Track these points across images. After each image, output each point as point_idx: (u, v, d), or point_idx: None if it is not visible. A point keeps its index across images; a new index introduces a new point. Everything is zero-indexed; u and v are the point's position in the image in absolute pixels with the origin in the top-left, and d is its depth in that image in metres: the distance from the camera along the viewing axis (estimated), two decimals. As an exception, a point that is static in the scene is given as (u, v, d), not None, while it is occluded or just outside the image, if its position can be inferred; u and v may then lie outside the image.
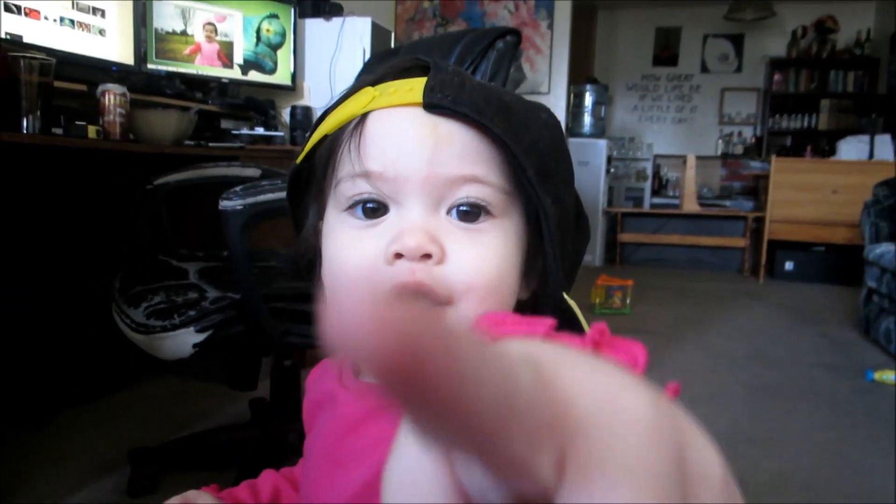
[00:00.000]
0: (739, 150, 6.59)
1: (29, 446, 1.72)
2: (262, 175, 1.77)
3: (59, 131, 1.67)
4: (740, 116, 6.70)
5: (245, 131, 2.53)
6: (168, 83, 2.30)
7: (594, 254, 5.61)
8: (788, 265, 5.11)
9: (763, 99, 6.57)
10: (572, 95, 5.37)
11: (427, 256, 0.41)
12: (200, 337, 1.18)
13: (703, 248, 5.77)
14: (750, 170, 6.10)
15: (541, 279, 0.47)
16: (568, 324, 0.50)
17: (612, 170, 5.82)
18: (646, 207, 5.94)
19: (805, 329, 3.48)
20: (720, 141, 6.67)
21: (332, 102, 0.47)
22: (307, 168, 0.49)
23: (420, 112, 0.42)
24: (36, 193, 1.87)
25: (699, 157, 5.85)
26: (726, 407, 2.29)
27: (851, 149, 4.97)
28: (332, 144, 0.45)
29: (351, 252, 0.43)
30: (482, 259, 0.42)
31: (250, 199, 1.12)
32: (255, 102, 2.65)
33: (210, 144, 2.16)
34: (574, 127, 5.50)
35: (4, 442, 1.69)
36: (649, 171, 6.12)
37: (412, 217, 0.42)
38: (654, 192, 6.12)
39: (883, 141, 4.87)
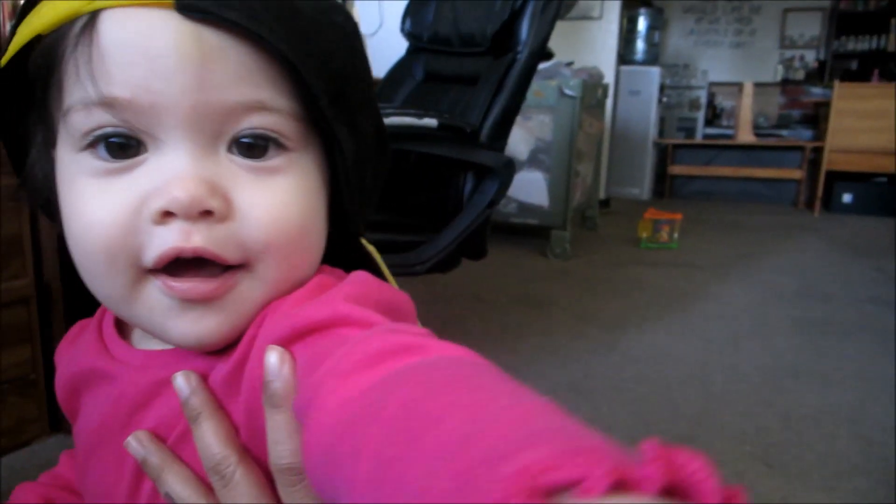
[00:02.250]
0: (801, 75, 6.26)
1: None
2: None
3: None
4: (803, 39, 6.34)
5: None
6: None
7: (642, 187, 5.49)
8: (846, 197, 4.93)
9: (829, 18, 6.19)
10: (625, 20, 5.15)
11: (207, 213, 0.31)
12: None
13: (757, 181, 5.59)
14: (811, 97, 5.81)
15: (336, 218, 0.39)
16: (367, 267, 0.41)
17: (665, 99, 5.62)
18: (698, 138, 5.75)
19: (860, 263, 3.39)
20: (780, 66, 6.34)
21: None
22: (15, 73, 0.34)
23: (175, 16, 0.30)
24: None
25: (757, 84, 5.59)
26: (772, 341, 2.27)
27: (923, 73, 4.67)
28: (51, 51, 0.32)
29: (97, 209, 0.32)
30: (281, 207, 0.33)
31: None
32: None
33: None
34: (626, 54, 5.29)
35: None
36: (703, 100, 5.90)
37: (180, 160, 0.31)
38: (708, 122, 5.91)
39: (958, 65, 4.57)
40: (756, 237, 4.07)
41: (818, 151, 5.01)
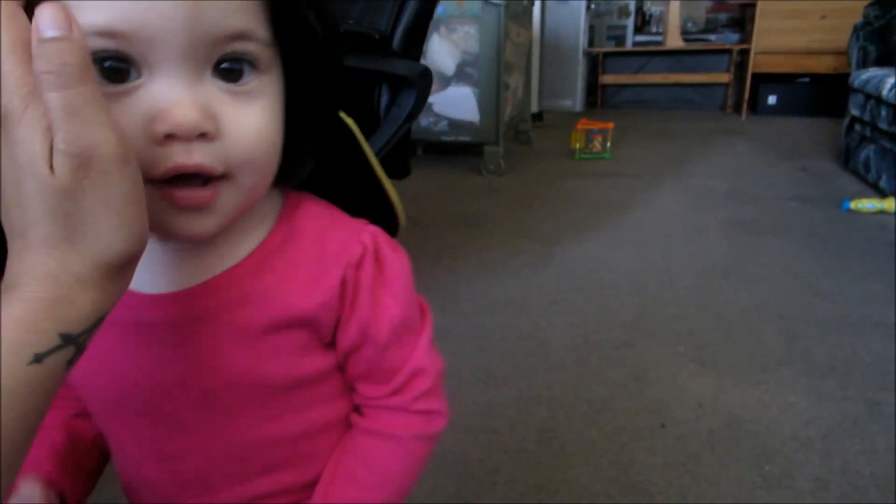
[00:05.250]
0: (727, -23, 6.23)
1: None
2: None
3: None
4: (729, -60, 6.26)
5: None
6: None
7: (574, 98, 5.45)
8: (771, 99, 5.01)
9: (754, -82, 6.11)
10: (550, -77, 4.95)
11: (202, 134, 0.36)
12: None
13: (687, 87, 5.62)
14: (737, -1, 5.80)
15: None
16: (346, 146, 0.49)
17: (593, 6, 5.52)
18: (628, 46, 5.70)
19: (785, 163, 3.47)
20: (707, -32, 6.28)
21: None
22: None
23: None
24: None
25: (684, -12, 5.54)
26: (703, 244, 2.31)
27: (844, -30, 4.69)
28: None
29: None
30: (259, 129, 0.39)
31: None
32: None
33: None
34: (552, -40, 5.13)
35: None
36: (632, 7, 5.81)
37: (177, 87, 0.35)
38: (637, 30, 5.85)
39: (878, -41, 4.60)
40: (686, 143, 4.11)
41: (745, 54, 5.04)
